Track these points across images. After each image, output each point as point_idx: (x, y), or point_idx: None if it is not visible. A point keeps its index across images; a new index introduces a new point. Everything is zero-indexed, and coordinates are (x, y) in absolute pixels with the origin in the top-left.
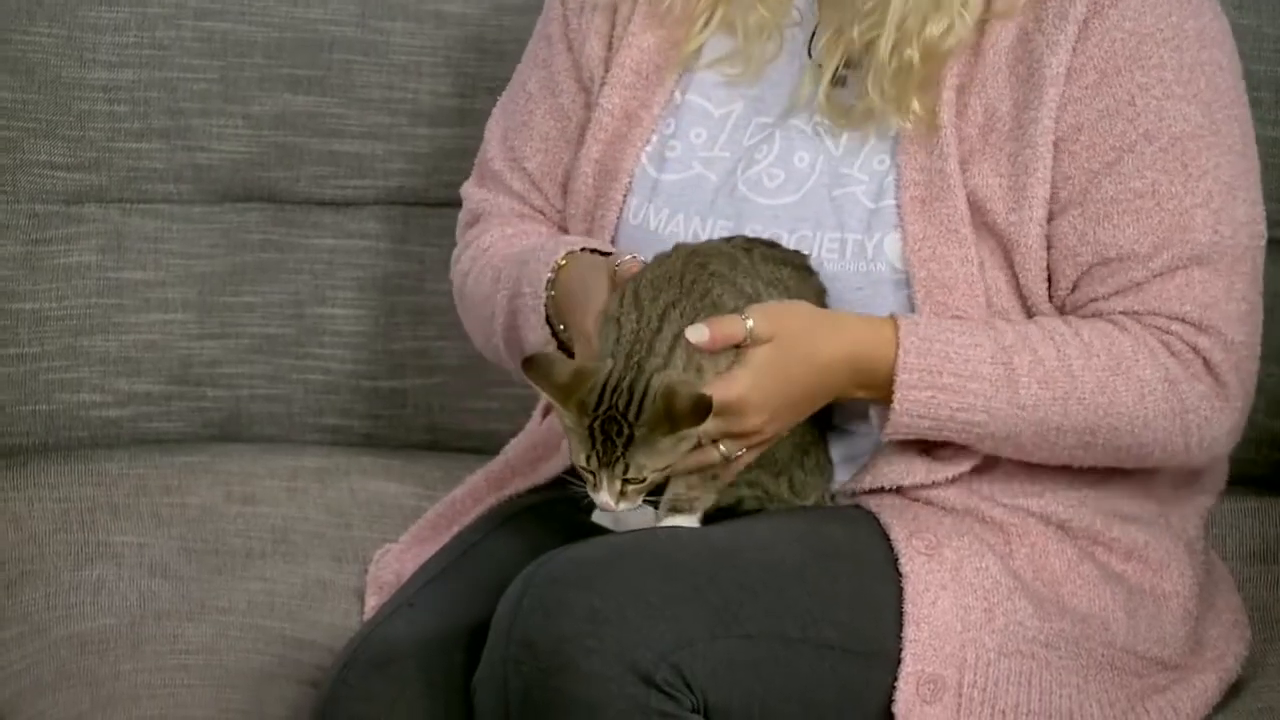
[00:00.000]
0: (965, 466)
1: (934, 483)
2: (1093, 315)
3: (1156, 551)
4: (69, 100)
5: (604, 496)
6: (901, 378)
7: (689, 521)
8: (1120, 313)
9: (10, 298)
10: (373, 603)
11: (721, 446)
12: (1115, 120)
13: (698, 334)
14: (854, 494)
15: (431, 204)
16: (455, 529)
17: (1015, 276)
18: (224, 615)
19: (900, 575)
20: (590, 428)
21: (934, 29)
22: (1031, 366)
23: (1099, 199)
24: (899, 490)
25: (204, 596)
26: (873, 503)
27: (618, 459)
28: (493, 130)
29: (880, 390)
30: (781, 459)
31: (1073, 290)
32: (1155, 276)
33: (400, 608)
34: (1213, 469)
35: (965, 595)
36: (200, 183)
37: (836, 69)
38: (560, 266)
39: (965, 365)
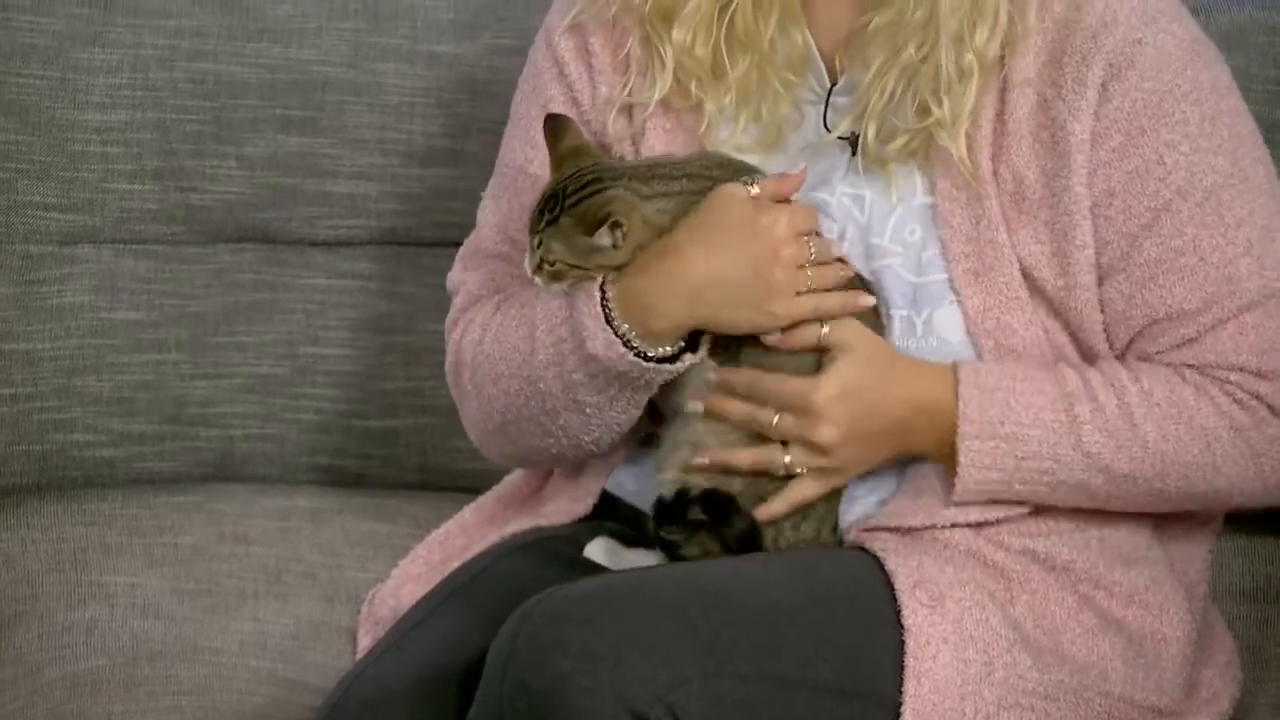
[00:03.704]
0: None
1: (943, 525)
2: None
3: (1157, 595)
4: (62, 142)
5: (525, 260)
6: (963, 429)
7: None
8: (1178, 365)
9: (3, 338)
10: (365, 642)
11: (789, 456)
12: (1147, 180)
13: (774, 339)
14: (867, 529)
15: (424, 244)
16: (453, 564)
17: (1074, 336)
18: (216, 656)
19: (900, 622)
20: (545, 194)
21: (981, 35)
22: (1093, 414)
23: (1142, 261)
24: (909, 530)
25: (197, 637)
26: (878, 543)
27: (539, 232)
28: (489, 219)
29: (944, 437)
30: None
31: (1127, 348)
32: (1207, 331)
33: (391, 647)
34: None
35: (966, 648)
36: (193, 223)
37: (859, 136)
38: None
39: (1026, 413)
